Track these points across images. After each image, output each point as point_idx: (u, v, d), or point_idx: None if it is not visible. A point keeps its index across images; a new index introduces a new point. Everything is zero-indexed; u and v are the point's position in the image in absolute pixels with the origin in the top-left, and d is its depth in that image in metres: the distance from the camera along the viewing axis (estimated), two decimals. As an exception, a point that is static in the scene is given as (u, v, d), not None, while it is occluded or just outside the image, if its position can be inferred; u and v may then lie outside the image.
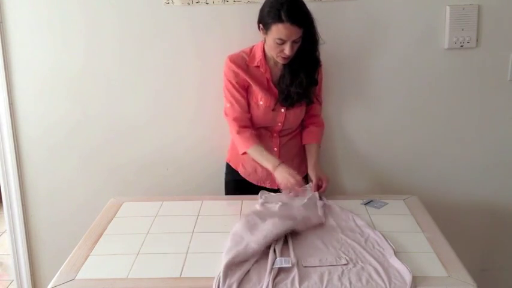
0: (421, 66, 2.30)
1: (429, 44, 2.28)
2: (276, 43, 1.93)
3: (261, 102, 2.08)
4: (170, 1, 2.23)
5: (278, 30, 1.89)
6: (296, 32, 1.89)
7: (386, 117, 2.37)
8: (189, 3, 2.23)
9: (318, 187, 2.04)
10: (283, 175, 1.97)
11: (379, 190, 2.36)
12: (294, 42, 1.92)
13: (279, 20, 1.87)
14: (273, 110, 2.08)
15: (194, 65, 2.31)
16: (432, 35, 2.27)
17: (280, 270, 1.53)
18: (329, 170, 2.40)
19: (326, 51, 2.09)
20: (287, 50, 1.92)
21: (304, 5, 1.94)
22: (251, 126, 2.09)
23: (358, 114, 2.37)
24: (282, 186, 1.99)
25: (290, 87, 2.03)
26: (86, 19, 2.28)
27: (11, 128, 2.38)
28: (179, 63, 2.31)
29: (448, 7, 2.22)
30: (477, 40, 2.26)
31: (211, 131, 2.35)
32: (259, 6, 1.98)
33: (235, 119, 2.07)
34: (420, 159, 2.42)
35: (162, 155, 2.43)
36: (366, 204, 2.01)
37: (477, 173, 2.43)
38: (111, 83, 2.35)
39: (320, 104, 2.21)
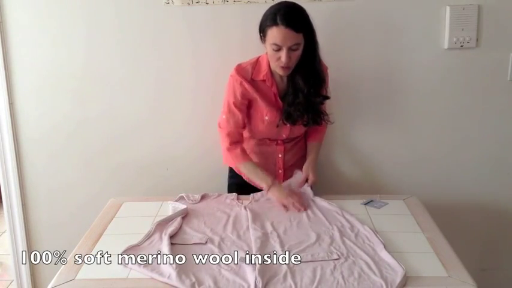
0: (421, 66, 2.30)
1: (429, 44, 2.27)
2: (272, 50, 1.87)
3: (267, 118, 2.04)
4: (170, 1, 2.23)
5: (273, 34, 1.85)
6: (292, 37, 1.83)
7: (386, 116, 2.37)
8: (189, 3, 2.23)
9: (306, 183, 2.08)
10: (276, 196, 1.99)
11: (379, 190, 2.36)
12: (290, 49, 1.86)
13: (274, 23, 1.84)
14: (277, 126, 2.04)
15: (194, 65, 2.31)
16: (432, 35, 2.26)
17: (267, 267, 1.53)
18: (329, 169, 2.40)
19: (325, 51, 2.08)
20: (283, 57, 1.86)
21: (303, 12, 1.89)
22: (242, 141, 2.10)
23: (357, 114, 2.37)
24: (277, 205, 1.98)
25: (291, 107, 1.99)
26: (86, 19, 2.28)
27: (11, 128, 2.38)
28: (179, 63, 2.31)
29: (448, 7, 2.22)
30: (477, 40, 2.26)
31: (212, 131, 2.34)
32: (259, 6, 1.98)
33: (228, 134, 2.06)
34: (420, 159, 2.42)
35: (162, 155, 2.43)
36: (366, 204, 2.01)
37: (477, 173, 2.43)
38: (111, 83, 2.35)
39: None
